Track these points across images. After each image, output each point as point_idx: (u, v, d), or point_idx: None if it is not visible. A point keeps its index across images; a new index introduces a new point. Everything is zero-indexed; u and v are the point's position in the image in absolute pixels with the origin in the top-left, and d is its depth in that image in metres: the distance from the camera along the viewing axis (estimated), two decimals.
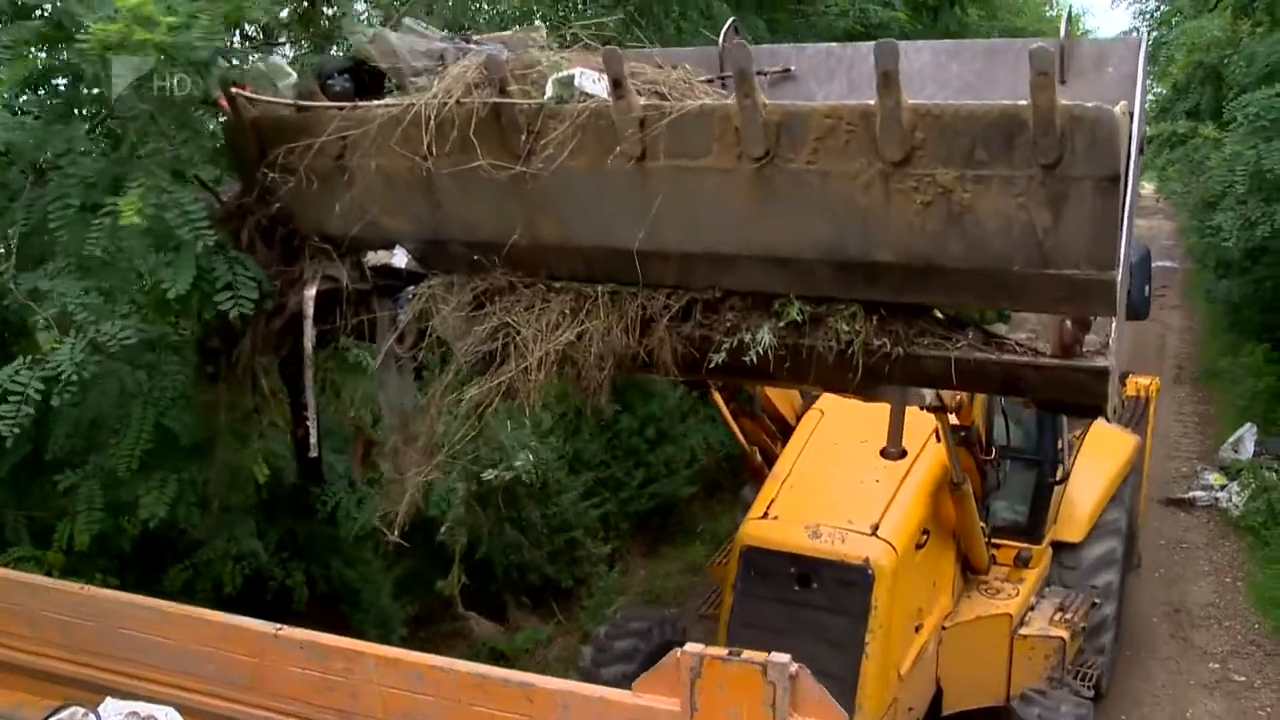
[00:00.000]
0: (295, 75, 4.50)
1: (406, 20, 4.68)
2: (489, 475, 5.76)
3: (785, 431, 7.51)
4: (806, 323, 3.89)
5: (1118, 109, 3.24)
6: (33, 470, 5.24)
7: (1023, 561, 7.51)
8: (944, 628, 6.89)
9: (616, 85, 3.75)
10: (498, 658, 8.59)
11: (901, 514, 6.55)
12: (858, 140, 3.50)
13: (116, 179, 4.32)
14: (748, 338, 3.93)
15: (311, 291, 4.61)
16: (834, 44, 4.78)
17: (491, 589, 9.39)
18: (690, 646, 3.00)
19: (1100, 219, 3.32)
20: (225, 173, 4.96)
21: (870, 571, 6.23)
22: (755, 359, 3.91)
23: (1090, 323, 3.75)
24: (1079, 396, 3.84)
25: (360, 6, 5.86)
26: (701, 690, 2.94)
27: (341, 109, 4.30)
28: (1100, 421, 7.97)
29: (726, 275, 3.99)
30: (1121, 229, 3.33)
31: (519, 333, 4.23)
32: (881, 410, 6.60)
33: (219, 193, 4.74)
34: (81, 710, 3.63)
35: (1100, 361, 3.71)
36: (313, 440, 4.90)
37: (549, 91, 3.92)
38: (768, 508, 6.73)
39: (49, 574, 4.90)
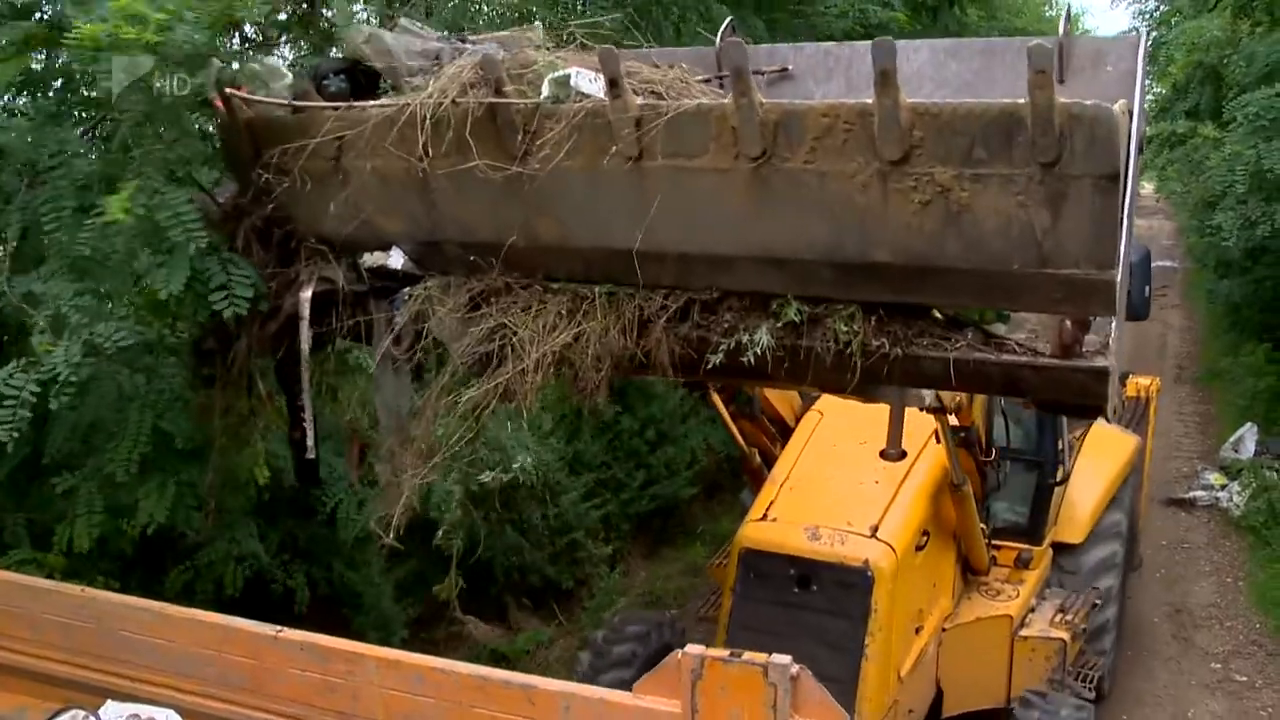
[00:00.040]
0: (290, 76, 4.47)
1: (402, 20, 4.67)
2: (486, 477, 5.74)
3: (784, 433, 7.49)
4: (804, 323, 3.87)
5: (1117, 107, 3.22)
6: (31, 473, 5.24)
7: (1023, 563, 7.47)
8: (944, 629, 6.86)
9: (613, 85, 3.73)
10: (499, 659, 8.59)
11: (901, 516, 6.52)
12: (856, 139, 3.48)
13: (111, 180, 4.31)
14: (745, 338, 3.91)
15: (307, 293, 4.59)
16: (832, 43, 4.76)
17: (492, 591, 9.38)
18: (691, 648, 2.99)
19: (1100, 218, 3.29)
20: (222, 174, 4.95)
21: (870, 573, 6.21)
22: (753, 360, 3.89)
23: (1090, 323, 3.73)
24: (1079, 397, 3.82)
25: (358, 6, 5.85)
26: (702, 692, 2.93)
27: (337, 109, 4.27)
28: (1100, 422, 7.96)
29: (724, 275, 3.97)
30: (1121, 228, 3.31)
31: (516, 334, 4.21)
32: (881, 411, 6.56)
33: (214, 194, 4.73)
34: (82, 713, 3.64)
35: (1100, 362, 3.69)
36: (309, 442, 4.89)
37: (545, 91, 3.90)
38: (767, 510, 6.70)
39: (50, 577, 4.89)
